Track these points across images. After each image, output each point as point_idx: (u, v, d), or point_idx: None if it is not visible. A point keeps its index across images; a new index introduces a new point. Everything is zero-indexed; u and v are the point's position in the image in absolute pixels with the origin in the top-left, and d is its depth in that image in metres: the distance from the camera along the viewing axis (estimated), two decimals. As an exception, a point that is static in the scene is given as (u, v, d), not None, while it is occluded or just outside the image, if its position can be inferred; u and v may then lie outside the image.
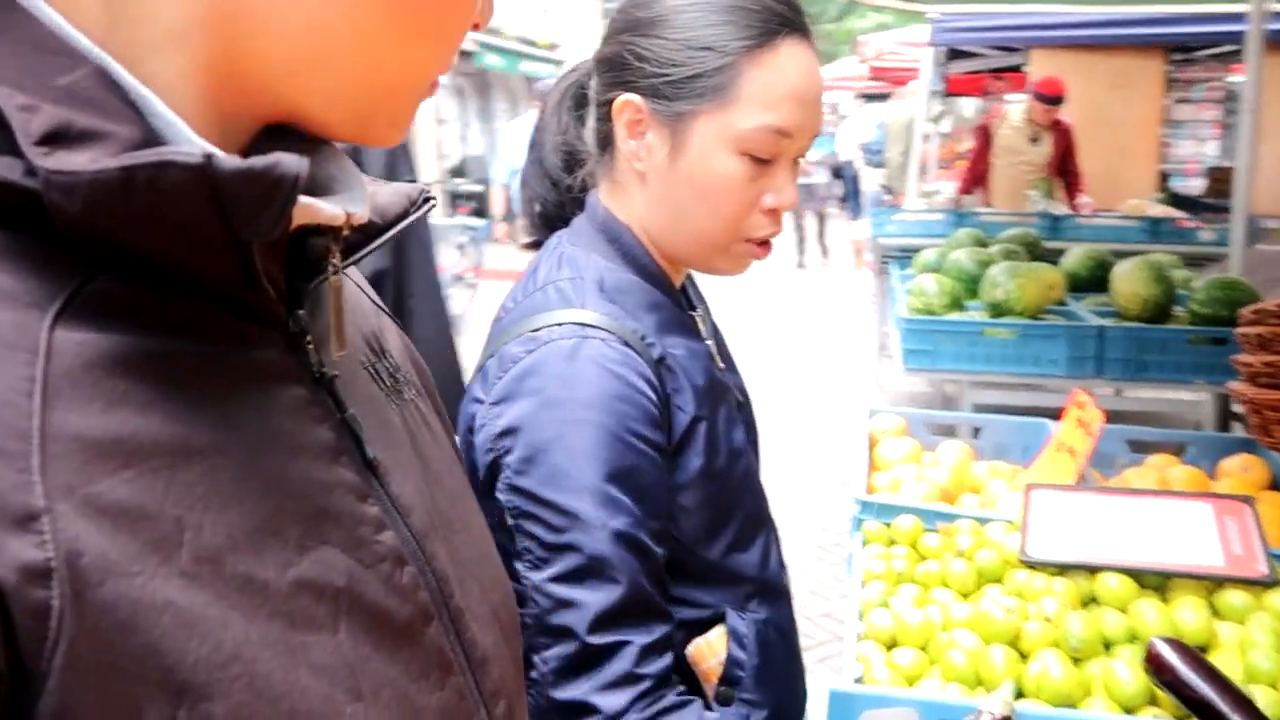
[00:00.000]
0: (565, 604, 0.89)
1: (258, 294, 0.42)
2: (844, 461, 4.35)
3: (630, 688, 0.87)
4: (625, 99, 1.00)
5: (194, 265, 0.39)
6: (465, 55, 22.36)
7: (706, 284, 1.20)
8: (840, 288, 9.77)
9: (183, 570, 0.36)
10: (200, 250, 0.38)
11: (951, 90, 9.09)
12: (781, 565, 1.13)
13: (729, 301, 4.14)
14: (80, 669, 0.32)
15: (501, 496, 0.94)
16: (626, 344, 0.96)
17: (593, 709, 0.87)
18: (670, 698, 0.90)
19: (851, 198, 14.73)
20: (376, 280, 2.05)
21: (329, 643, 0.41)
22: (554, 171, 1.14)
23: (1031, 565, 1.56)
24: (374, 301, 0.62)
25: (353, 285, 0.58)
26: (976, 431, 2.41)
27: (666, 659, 0.91)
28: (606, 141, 1.05)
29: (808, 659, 3.17)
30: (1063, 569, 1.54)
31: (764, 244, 1.01)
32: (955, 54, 7.89)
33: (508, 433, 0.94)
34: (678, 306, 1.06)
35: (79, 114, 0.35)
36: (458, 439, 1.03)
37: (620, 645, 0.88)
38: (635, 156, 1.02)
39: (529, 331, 0.97)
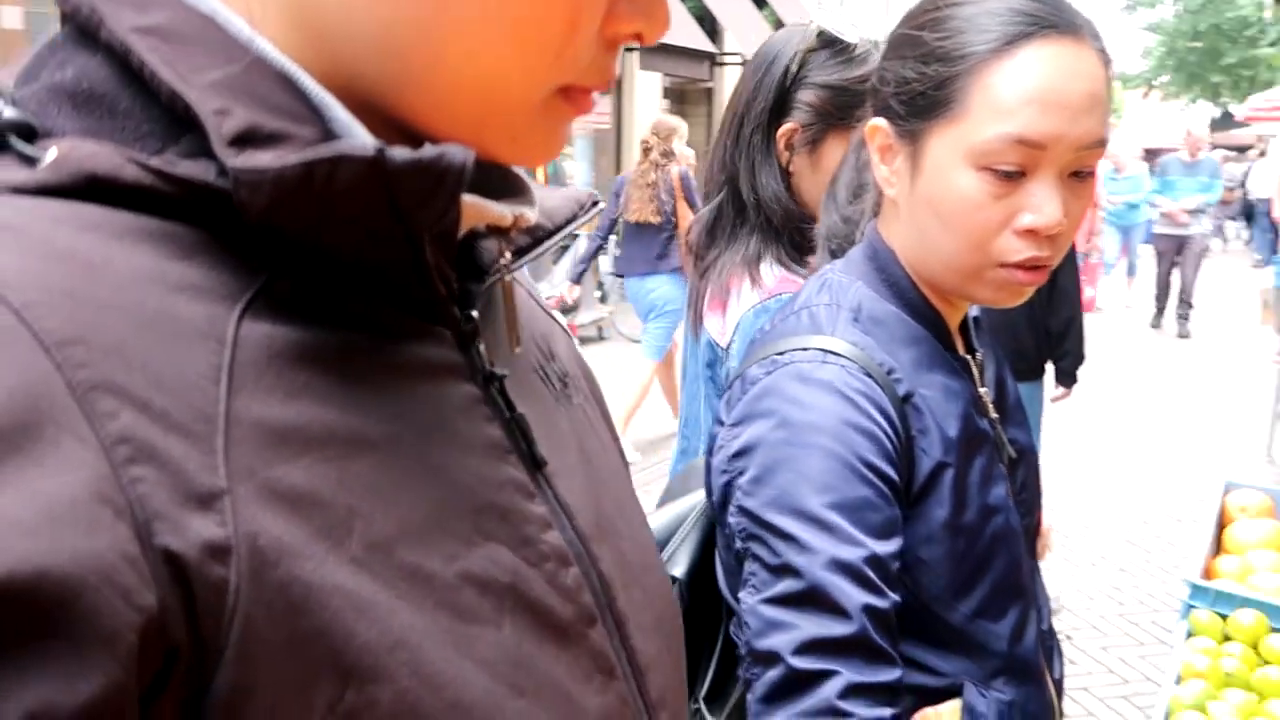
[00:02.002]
0: (775, 625, 0.84)
1: (430, 290, 0.42)
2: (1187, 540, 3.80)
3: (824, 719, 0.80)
4: (873, 124, 0.97)
5: (369, 259, 0.40)
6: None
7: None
8: (1231, 343, 8.59)
9: (353, 557, 0.37)
10: (375, 243, 0.40)
11: None
12: (1042, 646, 1.00)
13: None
14: (254, 646, 0.33)
15: (732, 519, 0.92)
16: (868, 374, 0.91)
17: None
18: None
19: (1263, 243, 13.00)
20: None
21: (493, 637, 0.41)
22: (841, 203, 1.14)
23: (1402, 694, 1.28)
24: (542, 307, 0.62)
25: (522, 290, 0.58)
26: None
27: (883, 710, 0.82)
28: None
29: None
30: None
31: (1030, 269, 0.91)
32: None
33: (741, 454, 0.91)
34: (944, 346, 0.99)
35: (267, 117, 0.38)
36: (701, 461, 1.03)
37: (827, 674, 0.81)
38: (888, 182, 0.97)
39: (774, 354, 0.95)
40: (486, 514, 0.43)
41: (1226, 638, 1.55)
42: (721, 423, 0.97)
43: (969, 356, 1.03)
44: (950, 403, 0.95)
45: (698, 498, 1.15)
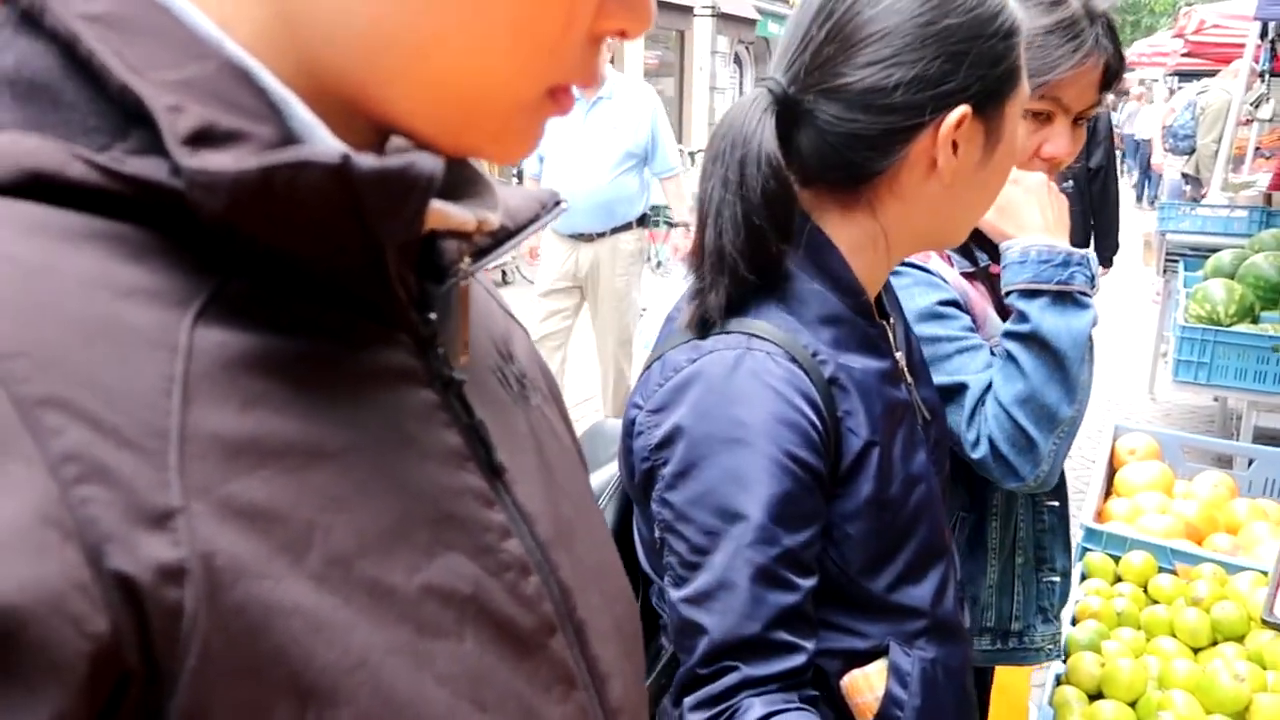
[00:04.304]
0: (691, 627, 0.88)
1: (390, 296, 0.41)
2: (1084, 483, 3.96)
3: (711, 708, 0.86)
4: (961, 112, 0.89)
5: (329, 265, 0.39)
6: (747, 23, 22.17)
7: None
8: (1119, 286, 8.95)
9: (312, 573, 0.36)
10: (336, 250, 0.38)
11: (1281, 70, 8.02)
12: (961, 603, 1.04)
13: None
14: (211, 670, 0.32)
15: (654, 507, 0.92)
16: (794, 360, 0.90)
17: None
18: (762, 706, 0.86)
19: (1142, 185, 13.54)
20: None
21: (455, 651, 0.40)
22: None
23: (1277, 628, 1.37)
24: (502, 306, 0.61)
25: (481, 290, 0.57)
26: (1250, 462, 2.14)
27: (779, 695, 0.86)
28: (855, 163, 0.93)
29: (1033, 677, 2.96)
30: (1317, 638, 1.34)
31: None
32: (1293, 28, 6.92)
33: (665, 444, 0.91)
34: (865, 319, 0.98)
35: (223, 114, 0.36)
36: (619, 442, 1.02)
37: (725, 671, 0.86)
38: (946, 172, 0.91)
39: (695, 338, 0.94)
40: (446, 523, 0.42)
41: (1118, 578, 1.63)
42: (639, 406, 0.96)
43: (884, 323, 1.03)
44: (873, 378, 0.95)
45: (612, 470, 1.14)
